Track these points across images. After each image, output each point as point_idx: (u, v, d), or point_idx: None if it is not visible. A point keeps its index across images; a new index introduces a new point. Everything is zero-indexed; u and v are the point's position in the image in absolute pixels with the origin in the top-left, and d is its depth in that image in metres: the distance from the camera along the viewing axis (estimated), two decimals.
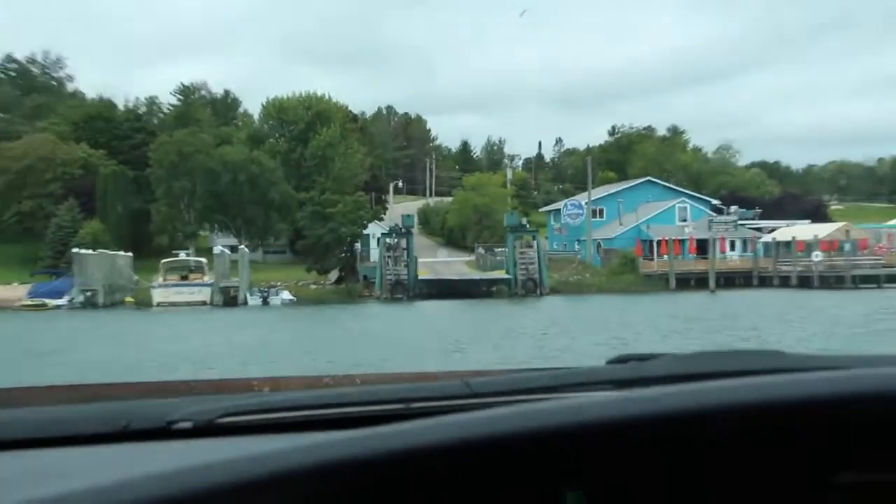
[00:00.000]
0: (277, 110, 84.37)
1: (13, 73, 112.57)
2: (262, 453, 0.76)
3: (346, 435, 0.80)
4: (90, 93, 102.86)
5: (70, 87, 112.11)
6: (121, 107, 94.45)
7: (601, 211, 79.70)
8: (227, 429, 1.06)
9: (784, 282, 66.45)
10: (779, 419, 0.81)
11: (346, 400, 1.13)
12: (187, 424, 1.07)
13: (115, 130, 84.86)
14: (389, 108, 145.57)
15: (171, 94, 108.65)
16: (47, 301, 60.47)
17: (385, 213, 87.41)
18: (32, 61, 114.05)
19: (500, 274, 66.54)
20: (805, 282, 64.92)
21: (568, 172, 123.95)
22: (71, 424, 1.10)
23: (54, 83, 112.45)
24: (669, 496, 0.88)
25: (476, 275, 70.10)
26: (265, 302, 60.19)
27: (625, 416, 0.79)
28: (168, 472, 0.74)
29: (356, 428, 0.85)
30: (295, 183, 76.58)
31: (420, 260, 67.58)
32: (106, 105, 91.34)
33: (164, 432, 1.07)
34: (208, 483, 0.73)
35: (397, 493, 0.81)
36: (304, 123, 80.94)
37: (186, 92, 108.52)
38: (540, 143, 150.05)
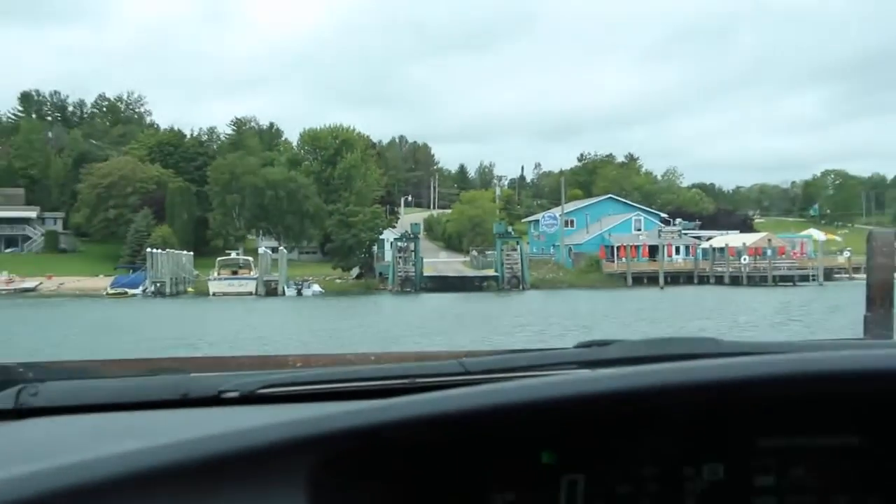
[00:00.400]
0: (311, 138, 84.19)
1: (104, 109, 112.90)
2: (294, 419, 0.77)
3: (363, 405, 0.81)
4: (163, 124, 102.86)
5: (148, 119, 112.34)
6: (187, 135, 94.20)
7: (572, 222, 79.49)
8: (268, 398, 1.07)
9: (719, 280, 66.28)
10: (712, 395, 0.82)
11: (363, 375, 1.13)
12: (235, 394, 1.07)
13: (182, 154, 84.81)
14: (401, 137, 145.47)
15: (227, 125, 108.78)
16: (127, 290, 60.41)
17: (397, 222, 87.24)
18: (119, 99, 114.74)
19: (490, 272, 66.31)
20: (735, 280, 64.80)
21: (545, 190, 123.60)
22: (140, 392, 1.11)
23: (136, 116, 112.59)
24: (623, 454, 0.89)
25: (470, 272, 69.86)
26: (299, 293, 59.95)
27: (589, 391, 0.80)
28: (221, 433, 0.75)
29: (371, 399, 0.86)
30: (324, 197, 76.41)
31: (425, 260, 67.37)
32: (175, 134, 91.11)
33: (216, 400, 1.07)
34: (253, 442, 0.74)
35: (405, 454, 0.82)
36: (333, 149, 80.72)
37: (239, 124, 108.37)
38: (522, 167, 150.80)
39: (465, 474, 0.86)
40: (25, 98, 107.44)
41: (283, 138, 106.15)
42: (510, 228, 71.87)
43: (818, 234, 76.48)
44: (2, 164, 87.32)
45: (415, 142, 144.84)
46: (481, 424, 0.80)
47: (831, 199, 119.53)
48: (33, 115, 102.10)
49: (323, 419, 0.77)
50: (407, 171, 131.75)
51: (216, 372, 1.29)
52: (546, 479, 0.87)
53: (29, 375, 1.21)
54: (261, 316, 37.32)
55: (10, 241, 78.93)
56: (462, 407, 0.79)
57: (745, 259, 65.89)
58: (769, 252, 66.59)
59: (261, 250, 65.14)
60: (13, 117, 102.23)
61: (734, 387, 0.81)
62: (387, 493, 0.82)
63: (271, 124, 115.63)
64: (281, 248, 67.34)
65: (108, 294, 59.48)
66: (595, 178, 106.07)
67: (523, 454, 0.86)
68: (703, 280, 67.10)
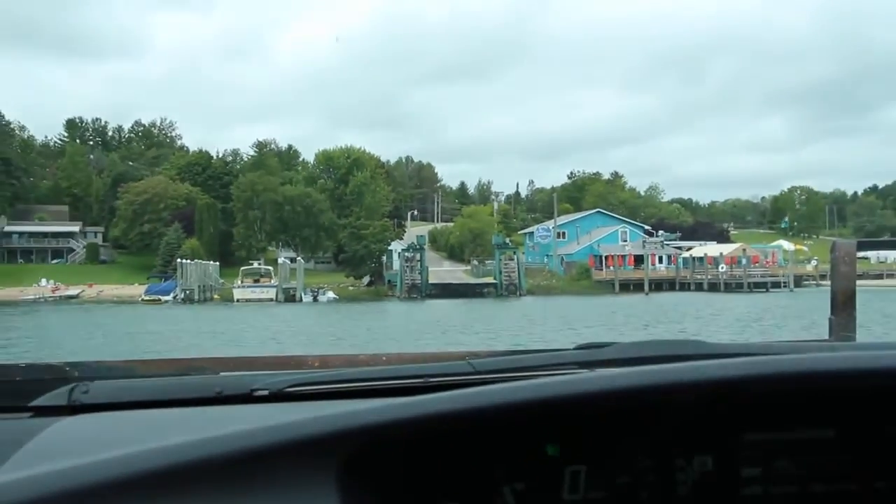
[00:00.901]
0: (326, 159, 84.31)
1: (140, 134, 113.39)
2: (327, 414, 0.77)
3: (390, 402, 0.80)
4: (192, 147, 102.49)
5: (179, 143, 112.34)
6: (214, 157, 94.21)
7: (564, 233, 79.46)
8: (296, 396, 1.06)
9: (698, 287, 66.11)
10: (702, 393, 0.82)
11: (377, 375, 1.12)
12: (265, 392, 1.07)
13: (210, 174, 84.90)
14: (408, 157, 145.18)
15: (249, 147, 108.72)
16: (160, 297, 60.43)
17: (404, 235, 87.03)
18: (153, 125, 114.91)
19: (489, 280, 66.29)
20: (713, 287, 64.66)
21: (538, 205, 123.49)
22: (179, 390, 1.11)
23: (168, 140, 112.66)
24: (621, 447, 0.89)
25: (471, 280, 69.79)
26: (315, 299, 59.90)
27: (590, 390, 0.81)
28: (255, 428, 0.75)
29: (386, 398, 0.86)
30: (338, 212, 76.46)
31: (430, 269, 67.31)
32: (203, 156, 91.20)
33: (248, 398, 1.07)
34: (281, 437, 0.74)
35: (420, 449, 0.82)
36: (345, 168, 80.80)
37: (260, 146, 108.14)
38: (517, 184, 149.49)
39: (478, 466, 0.85)
40: (71, 125, 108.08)
41: (300, 159, 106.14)
42: (507, 240, 71.95)
43: (787, 245, 76.45)
44: (49, 184, 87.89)
45: (420, 161, 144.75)
46: (492, 420, 0.81)
47: (798, 212, 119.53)
48: (77, 140, 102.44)
49: (352, 414, 0.77)
50: (413, 188, 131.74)
51: (242, 371, 1.28)
52: (551, 471, 0.87)
53: (75, 374, 1.21)
54: (281, 320, 37.28)
55: (56, 253, 79.34)
56: (476, 404, 0.79)
57: (722, 267, 65.82)
58: (744, 261, 66.53)
59: (280, 260, 65.17)
60: (60, 142, 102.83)
61: (722, 385, 0.81)
62: (407, 485, 0.82)
63: (289, 146, 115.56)
64: (298, 258, 67.41)
65: (142, 300, 59.53)
66: (584, 194, 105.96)
67: (530, 447, 0.86)
68: (684, 286, 66.96)
